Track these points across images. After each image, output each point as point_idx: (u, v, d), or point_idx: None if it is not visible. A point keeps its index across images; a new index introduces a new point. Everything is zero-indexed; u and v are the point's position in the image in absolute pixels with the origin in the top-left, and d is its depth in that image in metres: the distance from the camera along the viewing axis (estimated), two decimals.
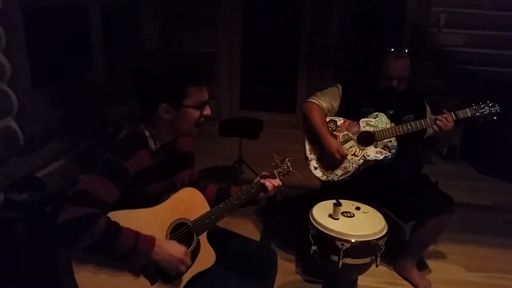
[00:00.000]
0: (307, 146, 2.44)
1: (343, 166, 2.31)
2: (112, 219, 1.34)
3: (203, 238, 1.58)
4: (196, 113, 1.49)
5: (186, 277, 1.51)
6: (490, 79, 4.14)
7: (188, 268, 1.48)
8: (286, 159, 1.85)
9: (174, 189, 1.58)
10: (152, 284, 1.43)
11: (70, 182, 1.38)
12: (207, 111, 1.53)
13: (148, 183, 1.49)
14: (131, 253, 1.33)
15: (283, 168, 1.83)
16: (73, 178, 1.38)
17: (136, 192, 1.45)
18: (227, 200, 1.64)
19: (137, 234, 1.36)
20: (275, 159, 1.84)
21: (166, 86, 1.43)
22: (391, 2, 5.00)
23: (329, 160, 2.34)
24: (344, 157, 2.30)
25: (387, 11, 5.06)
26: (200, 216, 1.56)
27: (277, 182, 1.76)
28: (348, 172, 2.30)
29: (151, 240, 1.38)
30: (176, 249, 1.43)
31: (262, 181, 1.74)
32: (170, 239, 1.47)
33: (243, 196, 1.69)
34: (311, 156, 2.41)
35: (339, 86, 2.46)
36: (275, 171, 1.81)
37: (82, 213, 1.27)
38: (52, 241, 1.36)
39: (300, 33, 4.74)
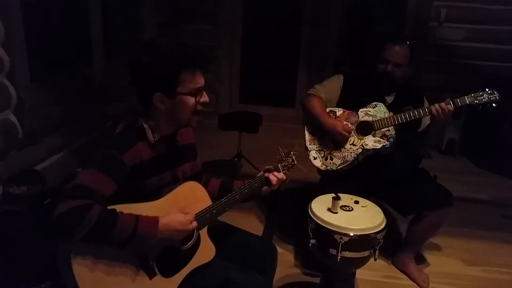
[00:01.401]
0: (307, 137, 2.46)
1: (341, 155, 2.32)
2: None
3: (203, 232, 1.57)
4: (191, 100, 1.47)
5: (185, 271, 1.51)
6: (490, 74, 4.14)
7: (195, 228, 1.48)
8: (291, 153, 1.85)
9: (176, 182, 1.58)
10: (150, 279, 1.43)
11: (69, 176, 1.37)
12: (204, 98, 1.51)
13: (149, 176, 1.48)
14: (132, 237, 1.31)
15: (287, 162, 1.83)
16: (72, 172, 1.37)
17: (136, 185, 1.45)
18: (229, 195, 1.63)
19: (136, 217, 1.34)
20: (280, 153, 1.84)
21: (158, 74, 1.42)
22: None
23: (333, 144, 2.36)
24: (350, 133, 2.31)
25: (388, 6, 5.05)
26: (202, 210, 1.56)
27: (281, 175, 1.76)
28: (346, 161, 2.31)
29: (153, 221, 1.36)
30: (182, 222, 1.41)
31: (266, 174, 1.74)
32: None
33: (246, 191, 1.68)
34: (310, 146, 2.43)
35: (341, 77, 2.48)
36: (279, 164, 1.80)
37: (75, 204, 1.26)
38: (51, 234, 1.36)
39: (300, 28, 4.73)
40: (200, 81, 1.49)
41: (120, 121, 1.51)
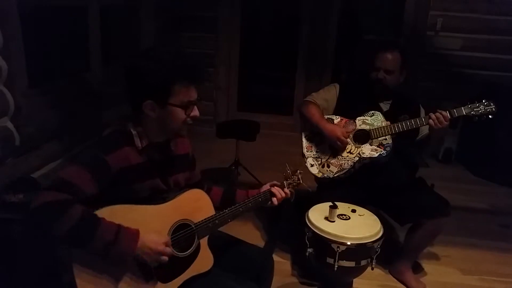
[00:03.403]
0: (304, 144, 2.47)
1: (338, 163, 2.33)
2: (113, 213, 1.33)
3: (203, 241, 1.57)
4: (181, 113, 1.46)
5: (182, 278, 1.51)
6: (486, 83, 4.17)
7: (169, 256, 1.42)
8: (298, 171, 1.85)
9: (168, 189, 1.57)
10: (147, 282, 1.42)
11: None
12: (195, 112, 1.49)
13: (136, 181, 1.46)
14: (111, 245, 1.29)
15: (293, 180, 1.83)
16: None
17: (124, 190, 1.43)
18: (233, 206, 1.63)
19: (118, 226, 1.32)
20: (287, 170, 1.84)
21: (151, 82, 1.41)
22: (389, 6, 5.03)
23: (331, 152, 2.37)
24: (347, 138, 2.33)
25: (385, 15, 5.09)
26: (204, 219, 1.56)
27: (285, 193, 1.76)
28: (343, 169, 2.31)
29: (134, 235, 1.34)
30: (155, 242, 1.37)
31: (273, 190, 1.74)
32: (171, 239, 1.46)
33: (250, 204, 1.69)
34: (308, 153, 2.44)
35: (337, 85, 2.50)
36: (284, 182, 1.81)
37: (54, 198, 1.25)
38: (48, 242, 1.36)
39: (299, 35, 4.75)
40: (193, 95, 1.47)
41: (109, 126, 1.51)
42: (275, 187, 1.76)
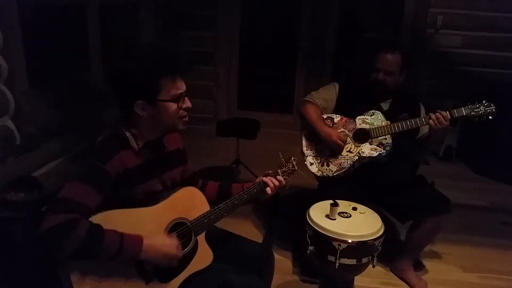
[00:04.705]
0: (304, 142, 2.47)
1: (338, 162, 2.33)
2: (107, 219, 1.34)
3: (201, 238, 1.57)
4: (173, 107, 1.46)
5: (182, 276, 1.51)
6: (487, 80, 4.16)
7: (178, 260, 1.46)
8: (292, 158, 1.85)
9: (165, 188, 1.57)
10: (147, 283, 1.43)
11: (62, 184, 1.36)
12: (187, 103, 1.49)
13: (135, 184, 1.46)
14: (117, 255, 1.31)
15: (287, 167, 1.83)
16: (70, 179, 1.36)
17: (124, 194, 1.44)
18: (227, 200, 1.63)
19: (121, 235, 1.32)
20: (280, 158, 1.84)
21: (137, 83, 1.41)
22: (389, 3, 5.02)
23: (330, 151, 2.37)
24: (345, 142, 2.32)
25: (385, 13, 5.08)
26: (200, 216, 1.56)
27: (280, 180, 1.75)
28: (343, 168, 2.31)
29: (138, 240, 1.35)
30: (168, 245, 1.41)
31: (264, 179, 1.73)
32: None
33: (245, 196, 1.68)
34: (307, 152, 2.44)
35: (336, 85, 2.50)
36: (279, 170, 1.81)
37: (61, 220, 1.25)
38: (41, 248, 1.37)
39: (299, 34, 4.74)
40: (181, 86, 1.47)
41: (103, 131, 1.50)
42: (268, 176, 1.75)
